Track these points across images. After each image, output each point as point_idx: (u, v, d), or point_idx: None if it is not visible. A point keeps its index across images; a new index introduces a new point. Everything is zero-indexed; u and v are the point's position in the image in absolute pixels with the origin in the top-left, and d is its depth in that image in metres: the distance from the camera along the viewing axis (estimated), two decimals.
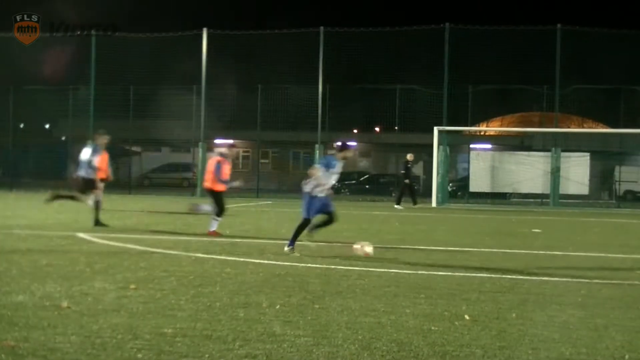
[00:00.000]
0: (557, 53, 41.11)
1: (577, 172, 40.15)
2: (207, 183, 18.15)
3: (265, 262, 12.71)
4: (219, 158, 18.04)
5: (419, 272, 12.01)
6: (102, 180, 24.30)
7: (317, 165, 14.48)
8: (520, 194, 41.98)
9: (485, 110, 49.10)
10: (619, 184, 49.02)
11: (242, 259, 12.99)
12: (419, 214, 29.02)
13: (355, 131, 55.34)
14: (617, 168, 49.48)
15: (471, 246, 16.22)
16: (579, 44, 41.88)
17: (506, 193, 42.69)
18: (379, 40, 44.80)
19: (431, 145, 36.85)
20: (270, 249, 14.72)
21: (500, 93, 48.50)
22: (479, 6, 68.86)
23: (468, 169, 42.44)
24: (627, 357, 6.78)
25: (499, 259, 14.15)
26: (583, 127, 49.44)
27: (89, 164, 19.45)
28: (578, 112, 49.04)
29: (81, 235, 16.56)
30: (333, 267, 12.34)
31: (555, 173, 38.21)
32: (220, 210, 17.88)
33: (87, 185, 19.50)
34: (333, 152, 14.74)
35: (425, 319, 8.14)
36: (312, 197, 14.27)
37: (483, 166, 40.80)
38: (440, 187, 36.83)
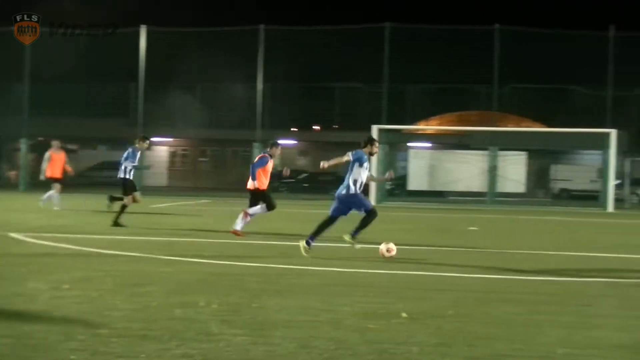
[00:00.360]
0: (495, 52, 41.53)
1: (514, 171, 40.59)
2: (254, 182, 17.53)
3: (203, 261, 12.59)
4: (263, 155, 17.67)
5: (357, 270, 12.00)
6: (57, 180, 24.30)
7: (350, 155, 14.06)
8: (458, 192, 42.31)
9: (424, 109, 49.45)
10: (555, 183, 49.77)
11: (179, 258, 12.86)
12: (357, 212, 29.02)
13: (294, 129, 55.30)
14: (553, 167, 50.22)
15: (408, 244, 16.26)
16: (517, 44, 42.39)
17: (444, 191, 42.98)
18: (320, 38, 44.84)
19: None
20: (208, 248, 14.62)
21: (439, 92, 48.88)
22: (419, 5, 69.26)
23: (407, 168, 42.61)
24: (560, 352, 6.85)
25: (436, 256, 14.22)
26: (520, 126, 50.02)
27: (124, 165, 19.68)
28: (516, 111, 49.60)
29: (14, 235, 16.25)
30: (271, 265, 12.30)
31: (492, 171, 38.59)
32: (270, 207, 17.40)
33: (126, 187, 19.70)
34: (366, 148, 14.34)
35: (363, 316, 8.12)
36: (356, 195, 14.05)
37: (421, 164, 41.03)
38: (379, 185, 36.93)
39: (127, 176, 19.53)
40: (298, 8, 66.64)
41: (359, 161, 14.00)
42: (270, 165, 17.55)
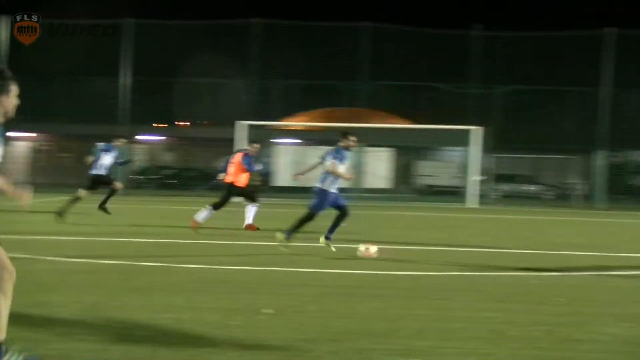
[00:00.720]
0: (363, 50, 42.00)
1: (381, 167, 41.15)
2: (230, 177, 18.23)
3: (63, 259, 12.29)
4: (244, 153, 18.33)
5: (220, 266, 11.95)
6: None
7: (333, 161, 14.18)
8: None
9: (292, 105, 49.58)
10: (420, 178, 50.71)
11: (37, 257, 12.48)
12: (224, 208, 28.88)
13: (160, 125, 54.56)
14: (418, 163, 51.16)
15: (273, 240, 16.23)
16: (385, 41, 43.00)
17: (311, 187, 43.16)
18: (189, 33, 44.45)
19: (239, 140, 36.79)
20: (68, 246, 14.29)
21: (307, 88, 49.07)
22: (288, 0, 69.41)
23: (272, 164, 42.63)
24: (419, 345, 6.99)
25: (300, 252, 14.27)
26: (388, 123, 50.71)
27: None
28: (383, 108, 50.29)
29: None
30: (133, 263, 12.09)
31: (358, 167, 39.03)
32: (253, 200, 18.48)
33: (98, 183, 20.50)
34: (342, 143, 14.51)
35: (226, 313, 8.10)
36: (326, 193, 14.12)
37: (287, 161, 41.11)
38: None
39: (103, 172, 20.32)
40: (166, 2, 65.84)
41: (340, 160, 14.10)
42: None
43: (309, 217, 14.32)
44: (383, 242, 16.37)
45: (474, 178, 36.91)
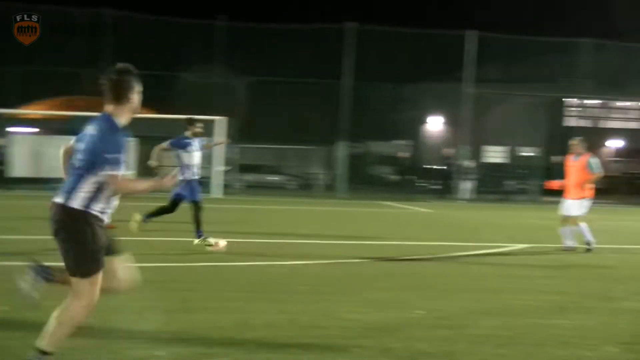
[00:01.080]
0: (107, 38, 41.11)
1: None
2: None
3: None
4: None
5: None
6: None
7: (178, 151, 14.46)
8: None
9: (30, 92, 47.76)
10: (163, 169, 50.29)
11: None
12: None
13: None
14: (161, 153, 50.74)
15: (16, 233, 15.55)
16: (129, 29, 42.30)
17: (49, 178, 41.63)
18: None
19: None
20: None
21: (48, 75, 47.42)
22: None
23: (7, 154, 40.63)
24: (163, 336, 6.92)
25: (39, 246, 13.65)
26: None
27: None
28: None
29: None
30: None
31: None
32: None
33: None
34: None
35: None
36: (188, 182, 14.21)
37: (24, 150, 39.39)
38: None
39: None
40: None
41: (181, 147, 13.88)
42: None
43: (198, 209, 14.42)
44: (133, 234, 16.05)
45: (218, 168, 37.03)
